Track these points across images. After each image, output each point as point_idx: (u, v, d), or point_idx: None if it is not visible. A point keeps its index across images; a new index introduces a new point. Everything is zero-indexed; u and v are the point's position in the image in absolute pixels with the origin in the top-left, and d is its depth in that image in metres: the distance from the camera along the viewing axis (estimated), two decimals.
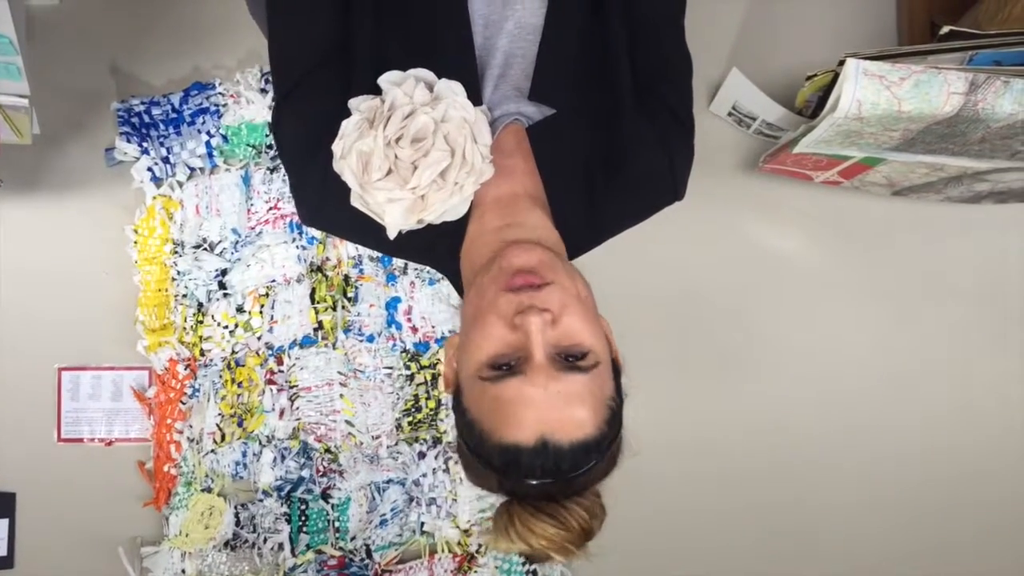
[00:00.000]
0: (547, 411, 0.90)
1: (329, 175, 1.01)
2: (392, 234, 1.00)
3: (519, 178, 1.05)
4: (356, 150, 0.97)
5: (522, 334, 0.90)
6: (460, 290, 1.08)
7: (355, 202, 1.00)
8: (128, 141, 1.81)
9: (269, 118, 1.11)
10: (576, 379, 0.90)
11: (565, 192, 1.07)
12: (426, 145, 0.96)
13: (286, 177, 1.82)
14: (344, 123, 0.99)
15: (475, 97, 1.02)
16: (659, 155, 1.09)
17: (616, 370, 0.99)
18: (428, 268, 1.82)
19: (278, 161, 1.83)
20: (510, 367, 0.91)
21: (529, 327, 0.89)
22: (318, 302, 1.81)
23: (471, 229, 1.05)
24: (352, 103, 1.00)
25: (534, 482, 0.92)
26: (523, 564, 1.82)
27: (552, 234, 1.03)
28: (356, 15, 1.05)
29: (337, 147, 0.99)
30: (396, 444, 1.82)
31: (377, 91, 1.01)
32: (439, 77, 1.00)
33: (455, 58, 1.03)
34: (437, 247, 1.08)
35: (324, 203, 1.06)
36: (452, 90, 0.99)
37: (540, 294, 0.91)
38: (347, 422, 1.80)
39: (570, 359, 0.91)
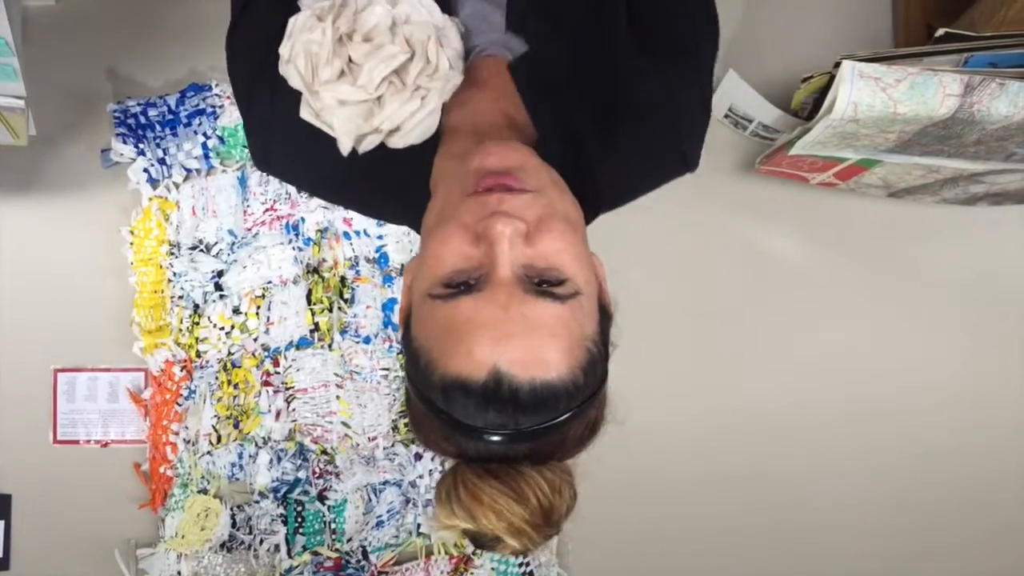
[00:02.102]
0: (505, 338, 0.71)
1: (277, 96, 0.86)
2: (345, 146, 0.83)
3: (499, 106, 0.88)
4: (304, 49, 0.82)
5: (486, 247, 0.72)
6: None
7: (304, 113, 0.85)
8: (124, 142, 1.81)
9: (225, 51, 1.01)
10: (546, 305, 0.72)
11: (552, 135, 0.89)
12: (382, 40, 0.81)
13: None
14: (291, 20, 0.84)
15: (445, 10, 0.86)
16: (660, 96, 0.90)
17: (604, 314, 0.80)
18: None
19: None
20: (468, 286, 0.73)
21: (494, 234, 0.71)
22: (314, 303, 1.81)
23: (441, 151, 0.88)
24: (303, 1, 0.85)
25: (486, 434, 0.73)
26: (519, 566, 1.82)
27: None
28: None
29: (285, 49, 0.84)
30: (392, 445, 1.82)
31: None
32: None
33: None
34: (401, 187, 0.90)
35: (273, 131, 0.90)
36: None
37: (514, 198, 0.74)
38: (343, 423, 1.80)
39: (543, 285, 0.73)
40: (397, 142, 0.85)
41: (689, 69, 0.93)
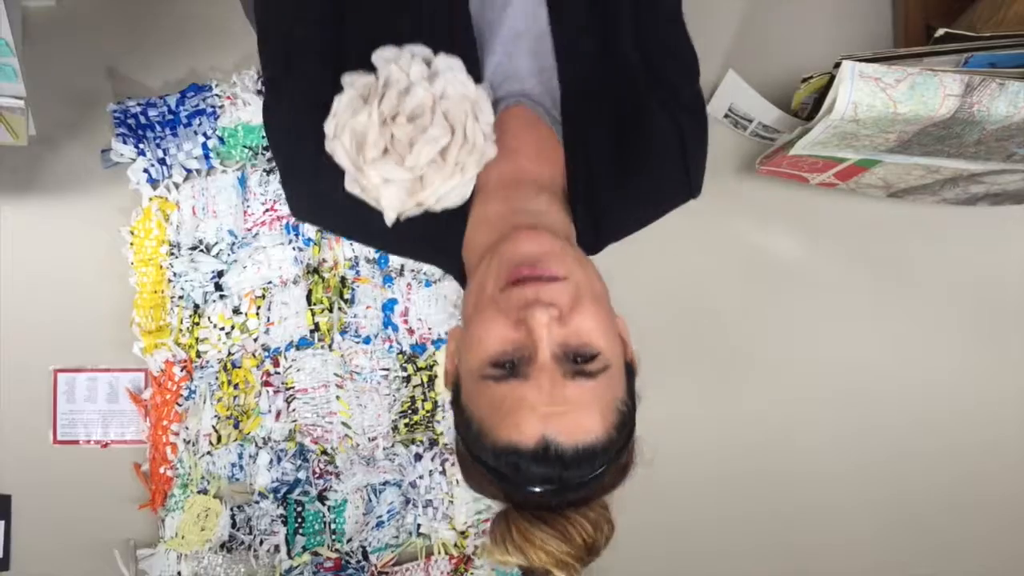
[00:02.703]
0: (550, 414, 0.82)
1: (320, 162, 0.93)
2: (390, 219, 0.91)
3: (523, 161, 0.98)
4: (350, 128, 0.89)
5: (526, 331, 0.82)
6: (463, 283, 1.01)
7: (350, 186, 0.92)
8: (124, 143, 1.81)
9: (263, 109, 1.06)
10: (582, 384, 0.83)
11: (576, 180, 0.99)
12: (424, 122, 0.89)
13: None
14: (336, 99, 0.91)
15: (475, 74, 0.94)
16: (673, 147, 1.01)
17: (630, 372, 0.93)
18: (424, 270, 1.82)
19: (275, 163, 1.83)
20: (513, 365, 0.84)
21: (534, 324, 0.81)
22: (314, 304, 1.81)
23: (474, 216, 0.97)
24: (345, 79, 0.92)
25: (535, 489, 0.86)
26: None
27: (563, 221, 0.96)
28: None
29: (329, 126, 0.91)
30: (392, 446, 1.82)
31: (371, 69, 0.93)
32: (436, 53, 0.93)
33: (452, 34, 0.97)
34: (438, 238, 0.99)
35: (316, 193, 0.98)
36: (451, 66, 0.92)
37: (548, 287, 0.83)
38: (343, 424, 1.80)
39: (578, 360, 0.84)
40: (436, 207, 0.93)
41: (691, 104, 1.04)
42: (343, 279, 1.82)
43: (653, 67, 1.03)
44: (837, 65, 1.36)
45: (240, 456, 1.82)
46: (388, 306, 1.82)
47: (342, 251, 1.83)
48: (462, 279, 1.01)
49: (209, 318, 1.81)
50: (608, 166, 1.00)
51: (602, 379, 0.85)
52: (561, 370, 0.83)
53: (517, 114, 0.99)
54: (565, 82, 1.00)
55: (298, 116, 0.98)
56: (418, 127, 0.89)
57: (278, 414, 1.80)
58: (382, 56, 0.92)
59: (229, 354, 1.82)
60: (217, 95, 1.83)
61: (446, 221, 0.96)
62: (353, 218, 0.96)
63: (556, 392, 0.82)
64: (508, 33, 1.00)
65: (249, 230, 1.83)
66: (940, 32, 1.47)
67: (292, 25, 1.01)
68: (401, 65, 0.91)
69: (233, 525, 1.82)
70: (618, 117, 1.01)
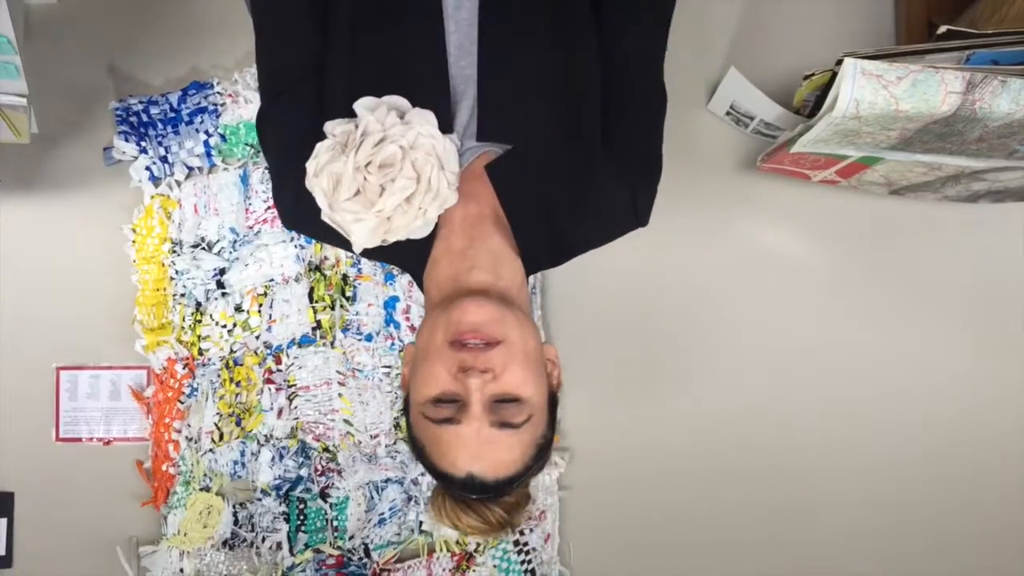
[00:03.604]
0: (476, 456, 1.01)
1: (302, 188, 1.07)
2: (358, 249, 1.07)
3: (486, 201, 1.11)
4: (327, 171, 1.03)
5: (463, 386, 0.99)
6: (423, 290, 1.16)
7: (325, 217, 1.06)
8: (126, 140, 1.81)
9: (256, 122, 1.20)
10: (507, 435, 1.01)
11: (527, 219, 1.12)
12: (393, 172, 1.01)
13: None
14: (318, 145, 1.05)
15: (446, 126, 1.07)
16: (622, 190, 1.15)
17: (553, 404, 1.10)
18: None
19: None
20: (452, 402, 1.01)
21: (469, 387, 0.99)
22: (316, 301, 1.81)
23: (437, 247, 1.11)
24: (327, 127, 1.06)
25: (463, 494, 1.07)
26: (521, 563, 1.82)
27: (513, 264, 1.10)
28: (333, 36, 1.10)
29: (311, 166, 1.05)
30: (394, 443, 1.82)
31: (352, 113, 1.06)
32: (413, 104, 1.06)
33: (428, 87, 1.08)
34: (407, 259, 1.15)
35: (298, 211, 1.13)
36: (423, 119, 1.04)
37: (485, 354, 0.99)
38: (345, 421, 1.80)
39: (505, 403, 1.00)
40: (400, 238, 1.08)
41: (646, 155, 1.17)
42: (345, 277, 1.82)
43: (613, 103, 1.14)
44: (839, 62, 1.36)
45: (242, 453, 1.82)
46: (390, 303, 1.82)
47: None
48: (422, 285, 1.16)
49: (211, 316, 1.81)
50: (561, 204, 1.14)
51: (525, 428, 1.02)
52: (489, 419, 1.00)
53: (484, 161, 1.11)
54: (487, 139, 1.12)
55: (285, 144, 1.13)
56: (387, 176, 1.02)
57: (280, 411, 1.81)
58: (363, 105, 1.05)
59: (231, 352, 1.82)
60: (219, 93, 1.83)
61: (413, 246, 1.10)
62: (329, 234, 1.10)
63: (483, 439, 1.01)
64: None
65: (251, 228, 1.83)
66: (942, 29, 1.47)
67: (283, 58, 1.14)
68: (378, 116, 1.03)
69: (235, 522, 1.82)
70: (568, 168, 1.13)
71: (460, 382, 1.00)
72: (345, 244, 1.09)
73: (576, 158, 1.12)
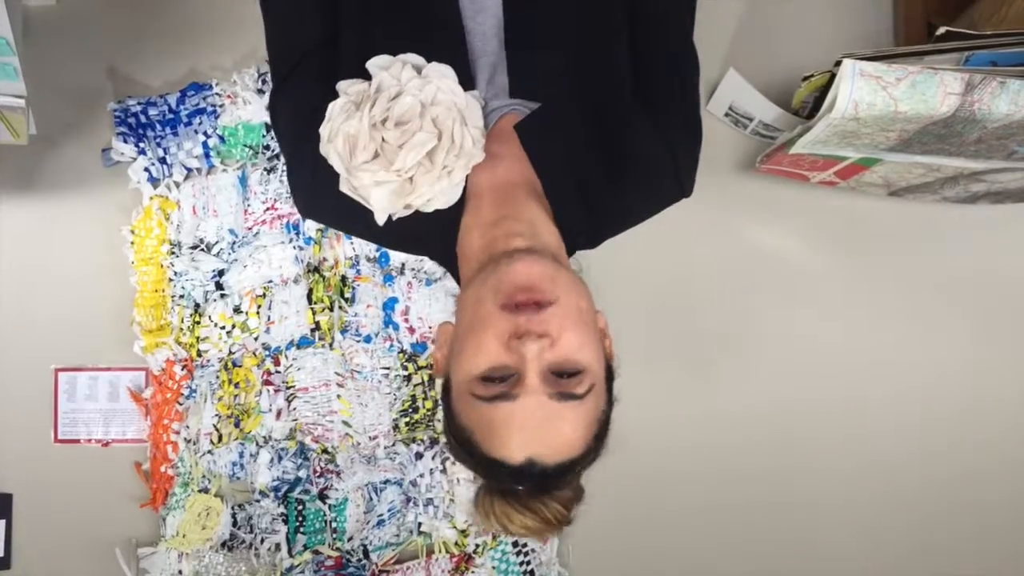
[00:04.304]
0: (536, 436, 0.89)
1: (320, 162, 0.99)
2: (380, 219, 0.97)
3: (516, 167, 1.01)
4: (342, 133, 0.95)
5: (518, 356, 0.87)
6: (458, 279, 1.05)
7: (343, 187, 0.98)
8: (125, 141, 1.81)
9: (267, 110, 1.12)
10: (569, 407, 0.89)
11: (561, 187, 1.03)
12: (412, 127, 0.94)
13: (283, 177, 1.82)
14: (331, 105, 0.97)
15: (467, 82, 0.99)
16: (660, 149, 1.04)
17: (610, 375, 0.97)
18: (425, 268, 1.82)
19: (275, 162, 1.83)
20: (503, 380, 0.89)
21: (526, 353, 0.87)
22: (315, 303, 1.81)
23: (466, 219, 1.01)
24: (340, 86, 0.98)
25: (516, 487, 0.94)
26: (520, 564, 1.82)
27: (551, 230, 1.00)
28: (343, 5, 1.03)
29: (324, 130, 0.97)
30: (393, 445, 1.82)
31: (367, 77, 0.98)
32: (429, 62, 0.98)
33: (445, 44, 1.00)
34: (432, 237, 1.04)
35: (316, 190, 1.03)
36: (441, 73, 0.96)
37: (540, 316, 0.88)
38: (344, 422, 1.80)
39: (564, 376, 0.89)
40: (426, 208, 0.97)
41: (682, 112, 1.08)
42: (344, 278, 1.82)
43: (645, 63, 1.05)
44: (838, 63, 1.36)
45: (241, 455, 1.82)
46: (389, 305, 1.82)
47: (342, 250, 1.83)
48: (454, 271, 1.05)
49: (210, 317, 1.81)
50: (596, 167, 1.04)
51: (589, 399, 0.90)
52: (548, 391, 0.88)
53: (511, 121, 1.02)
54: (520, 95, 1.03)
55: (297, 120, 1.03)
56: (406, 132, 0.93)
57: (279, 413, 1.81)
58: (376, 64, 0.97)
59: (230, 353, 1.82)
60: (217, 94, 1.83)
61: (439, 221, 1.00)
62: (350, 216, 1.01)
63: (543, 415, 0.88)
64: (500, 43, 1.03)
65: (250, 229, 1.83)
66: (941, 30, 1.47)
67: (292, 35, 1.07)
68: (392, 72, 0.95)
69: (234, 524, 1.82)
70: (601, 127, 1.04)
71: (514, 351, 0.87)
72: (368, 227, 1.00)
73: (609, 113, 1.03)
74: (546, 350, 0.87)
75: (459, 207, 1.00)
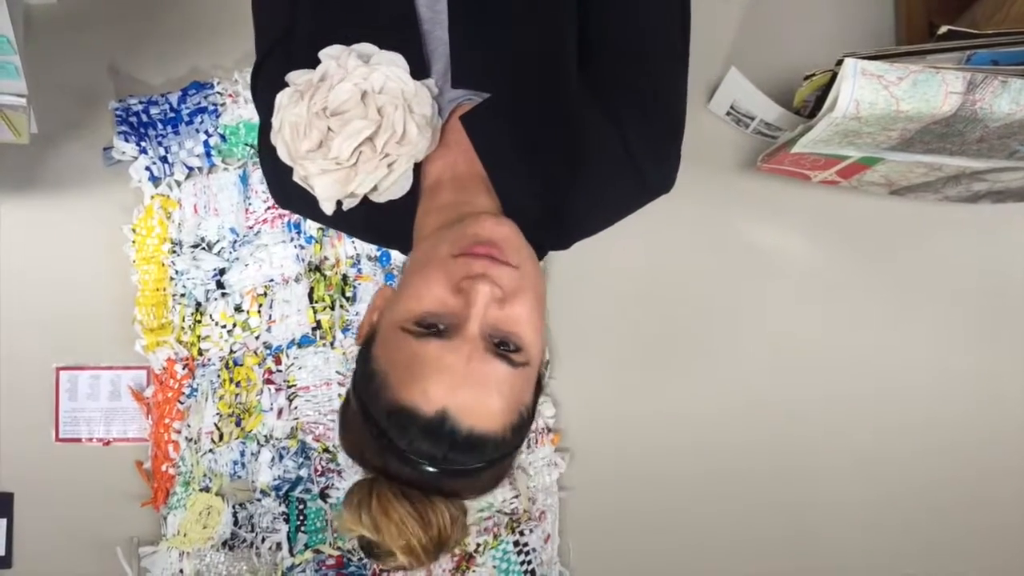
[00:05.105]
0: (460, 386, 0.81)
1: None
2: (326, 208, 0.95)
3: (472, 162, 0.96)
4: (288, 122, 0.93)
5: (464, 302, 0.82)
6: None
7: (295, 177, 0.96)
8: (126, 140, 1.81)
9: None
10: (501, 367, 0.82)
11: (513, 182, 0.96)
12: (349, 115, 0.91)
13: None
14: (279, 96, 0.95)
15: (421, 71, 0.95)
16: (605, 130, 0.98)
17: (539, 384, 0.92)
18: None
19: None
20: (439, 330, 0.82)
21: (475, 295, 0.81)
22: (316, 301, 1.81)
23: (422, 207, 0.97)
24: (290, 76, 0.96)
25: (413, 457, 0.83)
26: (521, 564, 1.82)
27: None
28: None
29: (275, 120, 0.95)
30: None
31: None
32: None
33: (398, 32, 0.96)
34: (386, 226, 1.01)
35: (283, 182, 1.00)
36: (390, 60, 0.94)
37: (498, 268, 0.83)
38: None
39: (503, 347, 0.83)
40: (378, 199, 0.95)
41: (641, 110, 0.99)
42: (345, 277, 1.82)
43: (605, 40, 1.00)
44: (839, 63, 1.35)
45: (242, 454, 1.82)
46: None
47: (344, 249, 1.83)
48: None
49: (211, 316, 1.81)
50: (553, 164, 0.99)
51: (520, 372, 0.84)
52: (485, 346, 0.82)
53: (464, 111, 0.98)
54: (461, 84, 0.98)
55: (263, 112, 1.01)
56: (344, 120, 0.91)
57: (280, 412, 1.81)
58: (327, 53, 0.95)
59: (231, 352, 1.82)
60: (219, 93, 1.83)
61: (394, 212, 0.96)
62: (313, 205, 0.97)
63: (474, 362, 0.81)
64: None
65: (251, 228, 1.83)
66: (943, 29, 1.47)
67: (265, 20, 1.06)
68: (340, 61, 0.93)
69: (235, 523, 1.82)
70: (555, 115, 0.98)
71: (462, 295, 0.82)
72: (338, 219, 0.98)
73: (562, 106, 0.97)
74: (494, 304, 0.82)
75: (415, 199, 0.97)
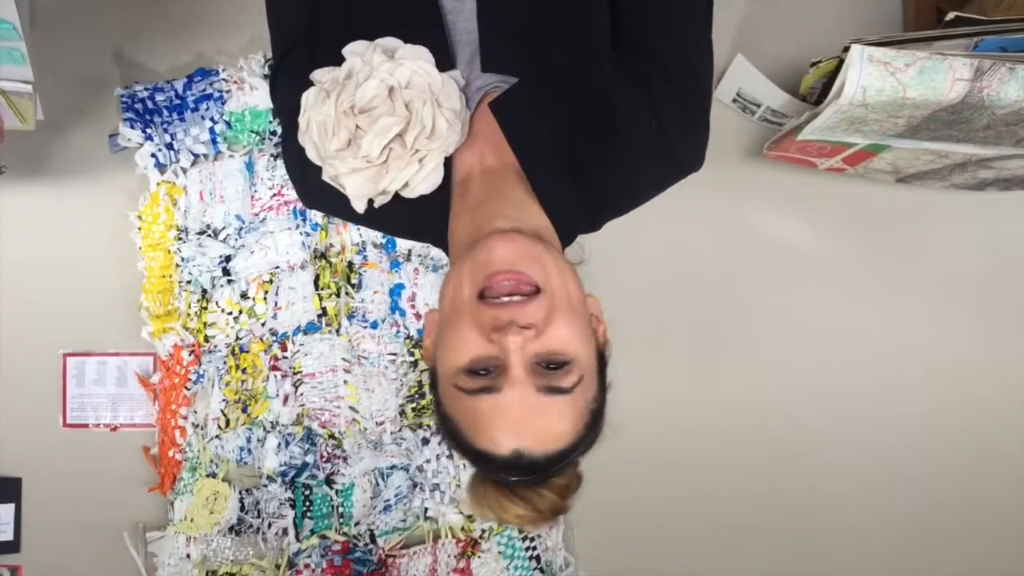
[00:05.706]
0: (522, 429, 0.85)
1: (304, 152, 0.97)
2: (358, 207, 0.95)
3: (502, 147, 0.96)
4: (315, 122, 0.93)
5: (500, 348, 0.83)
6: None
7: (325, 176, 0.96)
8: (132, 127, 1.81)
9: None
10: (555, 401, 0.85)
11: (546, 167, 0.97)
12: (378, 112, 0.91)
13: None
14: (304, 95, 0.95)
15: (446, 63, 0.95)
16: (648, 123, 0.97)
17: (602, 362, 0.93)
18: (431, 255, 1.83)
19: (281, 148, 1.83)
20: (488, 372, 0.85)
21: (508, 346, 0.82)
22: (322, 288, 1.81)
23: (455, 204, 0.97)
24: (315, 75, 0.95)
25: (506, 478, 0.90)
26: (526, 550, 1.83)
27: (539, 212, 0.95)
28: None
29: (302, 120, 0.95)
30: (400, 430, 1.83)
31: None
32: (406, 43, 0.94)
33: (422, 25, 0.96)
34: (428, 224, 1.01)
35: (308, 182, 1.00)
36: (416, 54, 0.93)
37: (523, 308, 0.83)
38: (351, 408, 1.80)
39: (551, 366, 0.84)
40: (408, 194, 0.95)
41: (676, 88, 0.99)
42: (350, 264, 1.82)
43: (634, 20, 0.99)
44: (846, 49, 1.35)
45: (248, 440, 1.83)
46: (395, 291, 1.82)
47: (349, 236, 1.83)
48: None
49: (217, 303, 1.82)
50: (585, 145, 0.98)
51: (576, 392, 0.86)
52: (534, 383, 0.84)
53: (492, 98, 0.98)
54: (491, 68, 0.98)
55: (288, 110, 1.00)
56: (372, 118, 0.91)
57: (286, 398, 1.81)
58: (351, 49, 0.94)
59: (237, 338, 1.82)
60: (224, 80, 1.83)
61: (432, 208, 0.97)
62: (343, 204, 0.98)
63: (528, 407, 0.84)
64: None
65: (256, 215, 1.83)
66: (950, 16, 1.46)
67: (283, 18, 1.05)
68: (365, 58, 0.92)
69: (242, 508, 1.83)
70: (585, 102, 0.98)
71: (496, 343, 0.83)
72: (366, 216, 0.98)
73: (593, 87, 0.97)
74: (531, 341, 0.83)
75: (449, 192, 0.97)
